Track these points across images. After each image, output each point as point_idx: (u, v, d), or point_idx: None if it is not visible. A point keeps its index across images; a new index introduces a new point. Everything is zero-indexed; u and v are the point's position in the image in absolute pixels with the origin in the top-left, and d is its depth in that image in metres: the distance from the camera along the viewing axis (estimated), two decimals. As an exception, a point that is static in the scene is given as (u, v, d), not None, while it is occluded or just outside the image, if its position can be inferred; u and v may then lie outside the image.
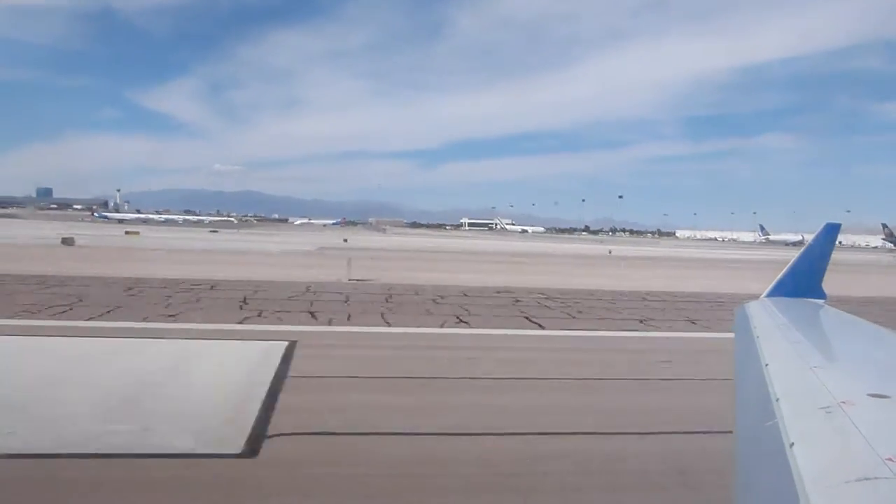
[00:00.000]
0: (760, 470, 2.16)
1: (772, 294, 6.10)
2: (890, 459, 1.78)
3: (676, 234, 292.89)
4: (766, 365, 3.29)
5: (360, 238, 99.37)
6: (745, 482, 2.22)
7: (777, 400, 2.61)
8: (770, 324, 4.61)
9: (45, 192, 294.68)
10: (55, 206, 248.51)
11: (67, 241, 53.03)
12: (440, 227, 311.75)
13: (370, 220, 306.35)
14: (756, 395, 2.87)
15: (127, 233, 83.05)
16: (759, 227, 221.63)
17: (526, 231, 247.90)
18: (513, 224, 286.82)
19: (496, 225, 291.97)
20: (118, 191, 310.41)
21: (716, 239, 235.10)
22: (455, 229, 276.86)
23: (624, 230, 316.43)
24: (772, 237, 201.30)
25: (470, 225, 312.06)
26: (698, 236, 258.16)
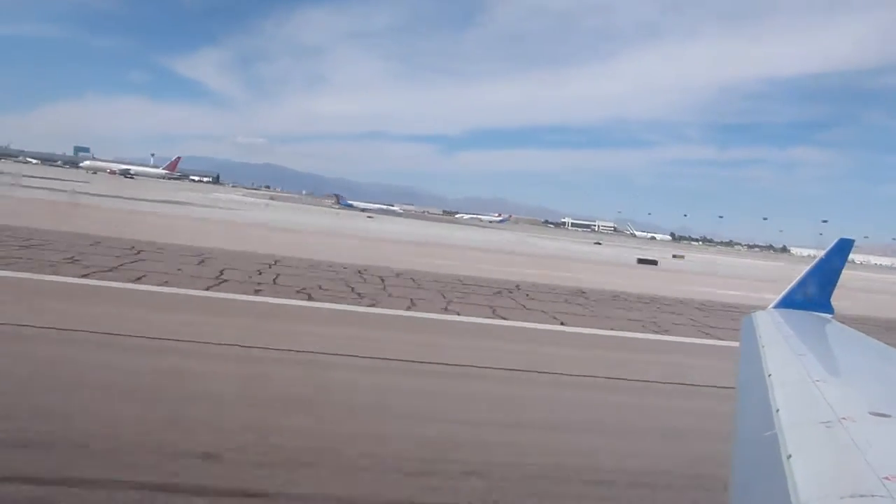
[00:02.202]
0: (757, 480, 2.17)
1: (780, 305, 6.08)
2: (888, 479, 1.79)
3: (792, 251, 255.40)
4: (769, 375, 3.29)
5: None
6: (741, 491, 2.23)
7: (777, 411, 2.61)
8: (776, 335, 4.61)
9: (84, 151, 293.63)
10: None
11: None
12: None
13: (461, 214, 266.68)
14: (757, 405, 2.88)
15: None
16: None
17: (654, 238, 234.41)
18: (631, 230, 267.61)
19: (596, 226, 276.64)
20: (153, 155, 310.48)
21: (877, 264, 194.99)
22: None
23: (698, 239, 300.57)
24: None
25: (573, 225, 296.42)
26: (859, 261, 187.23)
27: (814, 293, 6.16)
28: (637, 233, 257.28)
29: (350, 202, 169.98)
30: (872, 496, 1.71)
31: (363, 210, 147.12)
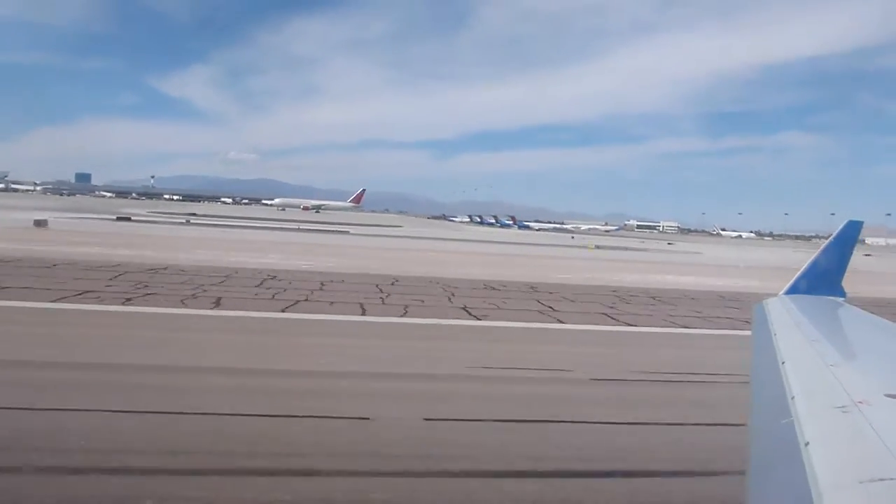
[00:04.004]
0: (774, 468, 2.16)
1: (791, 291, 6.04)
2: None
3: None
4: (783, 362, 3.27)
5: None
6: (758, 479, 2.22)
7: (793, 398, 2.60)
8: (788, 321, 4.58)
9: (84, 178, 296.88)
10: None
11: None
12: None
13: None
14: (772, 393, 2.86)
15: None
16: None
17: (741, 236, 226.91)
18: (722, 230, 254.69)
19: (661, 227, 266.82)
20: (153, 177, 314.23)
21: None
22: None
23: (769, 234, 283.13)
24: None
25: (638, 227, 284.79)
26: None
27: (825, 277, 6.12)
28: (722, 231, 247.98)
29: (527, 224, 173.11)
30: (892, 479, 1.70)
31: (539, 230, 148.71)
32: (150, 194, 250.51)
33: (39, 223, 46.49)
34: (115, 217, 69.54)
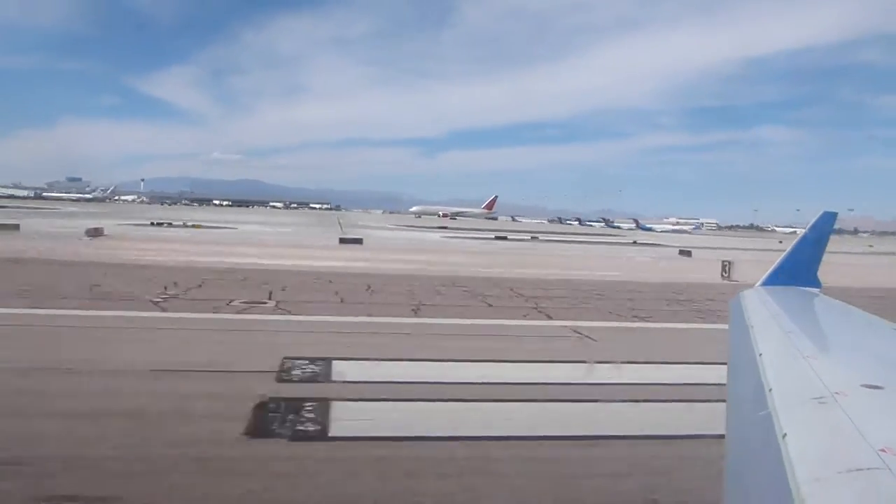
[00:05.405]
0: (752, 460, 2.15)
1: (767, 283, 6.08)
2: (883, 451, 1.76)
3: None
4: (760, 354, 3.27)
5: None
6: (736, 472, 2.20)
7: (770, 390, 2.59)
8: (764, 313, 4.60)
9: (76, 181, 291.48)
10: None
11: None
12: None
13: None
14: (749, 385, 2.86)
15: None
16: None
17: (795, 231, 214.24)
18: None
19: (701, 224, 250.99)
20: (142, 181, 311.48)
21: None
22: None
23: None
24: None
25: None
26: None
27: (800, 268, 6.17)
28: (777, 228, 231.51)
29: (649, 226, 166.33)
30: (869, 469, 1.68)
31: (661, 232, 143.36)
32: (198, 200, 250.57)
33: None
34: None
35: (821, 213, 6.43)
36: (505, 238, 74.76)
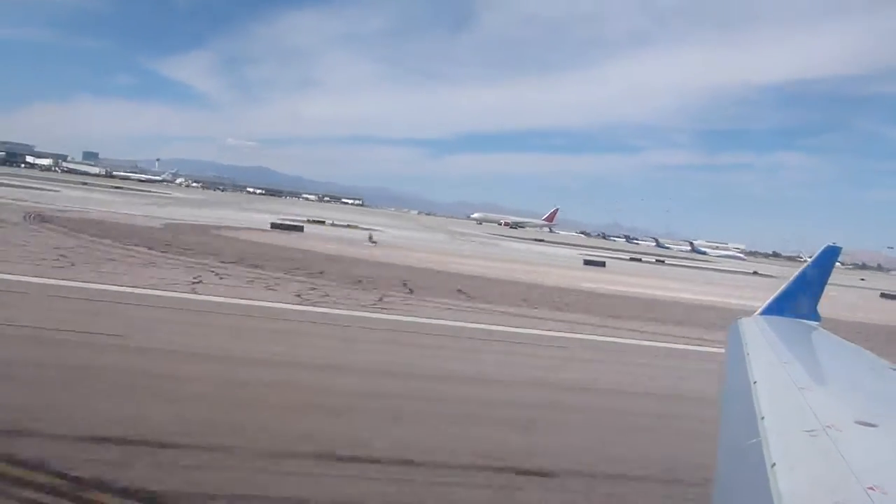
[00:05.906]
0: (741, 488, 2.14)
1: (766, 312, 6.05)
2: (871, 489, 1.75)
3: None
4: (755, 382, 3.26)
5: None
6: (723, 498, 2.19)
7: (762, 419, 2.58)
8: (762, 342, 4.58)
9: (92, 156, 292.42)
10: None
11: None
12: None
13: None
14: (742, 412, 2.84)
15: None
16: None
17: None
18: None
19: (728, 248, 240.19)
20: (157, 160, 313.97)
21: None
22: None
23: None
24: None
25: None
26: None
27: (800, 300, 6.15)
28: (809, 258, 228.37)
29: (703, 249, 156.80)
30: None
31: (718, 257, 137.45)
32: (229, 186, 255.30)
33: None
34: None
35: (823, 247, 6.41)
36: (639, 260, 73.46)
